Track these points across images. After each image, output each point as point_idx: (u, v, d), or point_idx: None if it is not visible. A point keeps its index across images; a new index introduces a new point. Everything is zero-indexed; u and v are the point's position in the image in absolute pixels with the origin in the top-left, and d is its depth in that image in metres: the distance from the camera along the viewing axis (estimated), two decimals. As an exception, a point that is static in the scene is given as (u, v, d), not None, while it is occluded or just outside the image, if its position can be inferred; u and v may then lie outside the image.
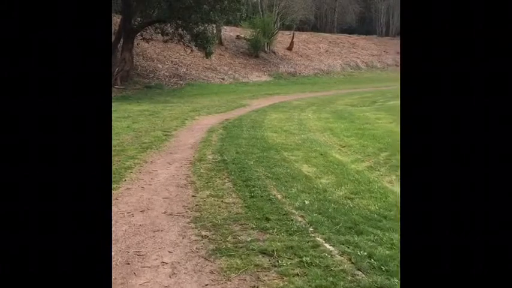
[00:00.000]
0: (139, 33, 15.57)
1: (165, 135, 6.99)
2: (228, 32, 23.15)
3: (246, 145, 5.88)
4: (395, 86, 20.05)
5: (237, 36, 23.87)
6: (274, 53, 24.46)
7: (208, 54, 15.28)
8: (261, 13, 23.98)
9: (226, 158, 5.11)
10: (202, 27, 14.58)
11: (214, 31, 15.29)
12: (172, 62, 17.97)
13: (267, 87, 18.40)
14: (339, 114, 9.43)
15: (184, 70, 17.84)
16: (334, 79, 24.33)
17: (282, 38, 25.78)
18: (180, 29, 14.95)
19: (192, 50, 16.05)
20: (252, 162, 4.85)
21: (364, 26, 36.46)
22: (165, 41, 15.98)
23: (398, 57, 30.53)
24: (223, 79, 18.87)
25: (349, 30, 34.27)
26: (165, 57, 17.95)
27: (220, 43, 21.31)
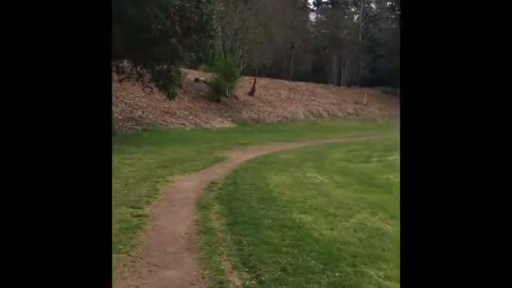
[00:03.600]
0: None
1: (136, 215, 4.48)
2: (186, 74, 21.08)
3: (283, 245, 3.52)
4: (367, 137, 19.16)
5: (196, 79, 21.96)
6: (235, 97, 22.73)
7: (171, 96, 13.01)
8: (223, 55, 22.32)
9: (269, 284, 2.76)
10: (166, 66, 12.39)
11: (180, 70, 13.11)
12: (126, 103, 15.37)
13: (233, 135, 16.32)
14: (357, 177, 7.44)
15: (140, 113, 15.28)
16: (299, 127, 23.05)
17: (242, 83, 24.25)
18: (138, 67, 12.62)
19: (151, 91, 13.68)
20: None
21: (317, 75, 36.45)
22: (120, 80, 13.49)
23: (357, 107, 30.45)
24: (183, 124, 16.55)
25: (304, 79, 33.84)
26: (117, 98, 15.31)
27: (179, 85, 19.10)
